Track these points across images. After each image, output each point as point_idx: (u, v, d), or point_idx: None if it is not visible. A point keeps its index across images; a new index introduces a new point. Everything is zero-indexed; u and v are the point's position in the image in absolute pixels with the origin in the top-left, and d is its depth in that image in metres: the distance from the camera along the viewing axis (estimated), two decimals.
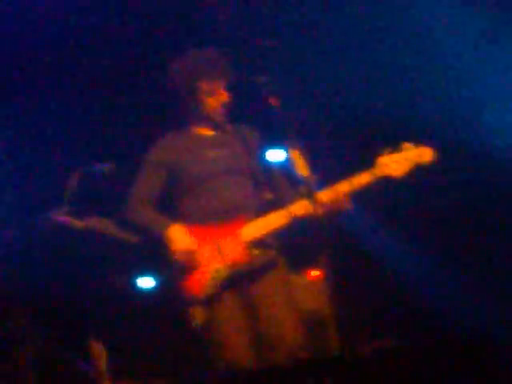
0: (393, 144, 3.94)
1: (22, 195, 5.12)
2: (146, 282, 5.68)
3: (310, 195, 3.73)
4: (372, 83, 4.92)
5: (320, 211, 3.78)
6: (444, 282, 5.21)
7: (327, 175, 3.87)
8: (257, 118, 4.01)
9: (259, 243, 3.93)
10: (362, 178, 3.89)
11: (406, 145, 3.95)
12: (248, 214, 3.95)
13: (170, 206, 4.06)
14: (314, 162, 3.71)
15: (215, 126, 4.11)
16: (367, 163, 3.91)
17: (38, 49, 5.03)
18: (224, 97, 4.05)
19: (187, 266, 3.91)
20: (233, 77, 4.07)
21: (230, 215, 3.95)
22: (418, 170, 3.89)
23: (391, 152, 3.93)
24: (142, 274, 5.60)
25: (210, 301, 3.88)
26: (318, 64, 4.90)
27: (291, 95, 3.88)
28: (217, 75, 4.03)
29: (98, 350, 4.76)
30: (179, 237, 3.93)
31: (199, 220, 3.97)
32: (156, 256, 4.00)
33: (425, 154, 3.94)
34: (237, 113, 4.09)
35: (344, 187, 3.88)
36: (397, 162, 3.91)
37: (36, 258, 4.92)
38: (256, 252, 3.92)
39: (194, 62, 4.04)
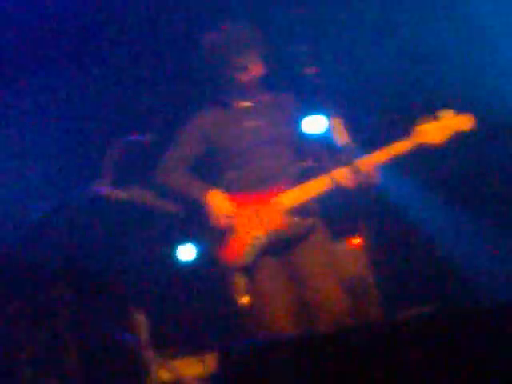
0: (432, 112, 3.94)
1: (63, 167, 5.17)
2: (187, 253, 5.72)
3: (349, 163, 3.76)
4: (413, 51, 4.90)
5: (359, 179, 3.81)
6: (484, 247, 5.17)
7: (367, 143, 3.88)
8: (297, 87, 4.02)
9: (298, 211, 3.94)
10: (402, 146, 3.88)
11: (446, 112, 3.94)
12: (287, 182, 3.96)
13: (210, 178, 4.07)
14: (354, 130, 3.72)
15: (251, 98, 4.11)
16: (406, 131, 3.92)
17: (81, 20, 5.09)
18: (258, 70, 4.03)
19: (226, 232, 3.94)
20: (267, 48, 4.04)
21: (269, 184, 3.96)
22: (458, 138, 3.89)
23: (430, 120, 3.92)
24: (183, 242, 5.65)
25: (250, 268, 3.90)
26: (356, 32, 4.90)
27: (329, 64, 3.88)
28: (247, 50, 3.99)
29: (139, 320, 4.81)
30: (218, 201, 3.96)
31: (239, 189, 3.99)
32: (196, 223, 4.03)
33: (464, 122, 3.93)
34: (276, 83, 4.09)
35: (383, 155, 3.89)
36: (436, 130, 3.90)
37: (77, 229, 4.99)
38: (295, 219, 3.94)
39: (224, 39, 4.01)
